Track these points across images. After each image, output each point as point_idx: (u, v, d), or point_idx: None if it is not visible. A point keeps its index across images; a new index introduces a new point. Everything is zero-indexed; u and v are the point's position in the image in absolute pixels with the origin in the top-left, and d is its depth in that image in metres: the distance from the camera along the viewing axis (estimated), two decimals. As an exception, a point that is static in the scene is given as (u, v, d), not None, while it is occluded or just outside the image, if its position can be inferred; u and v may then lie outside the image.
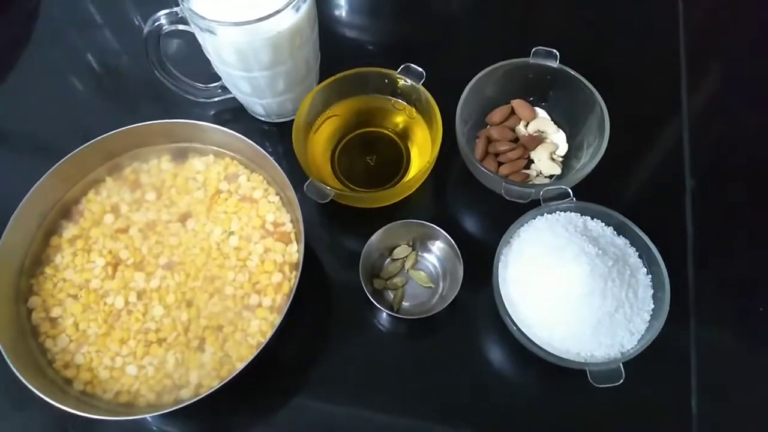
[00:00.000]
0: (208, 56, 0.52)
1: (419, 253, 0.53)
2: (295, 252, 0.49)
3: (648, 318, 0.45)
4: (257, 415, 0.48)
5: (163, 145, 0.53)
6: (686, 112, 0.60)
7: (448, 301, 0.48)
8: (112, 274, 0.48)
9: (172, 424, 0.48)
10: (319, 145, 0.56)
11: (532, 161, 0.56)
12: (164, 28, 0.50)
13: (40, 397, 0.40)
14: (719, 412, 0.48)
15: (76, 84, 0.65)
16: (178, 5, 0.48)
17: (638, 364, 0.43)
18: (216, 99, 0.59)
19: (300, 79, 0.55)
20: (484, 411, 0.48)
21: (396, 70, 0.54)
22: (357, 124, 0.58)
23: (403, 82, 0.54)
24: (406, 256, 0.52)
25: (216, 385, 0.42)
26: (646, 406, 0.48)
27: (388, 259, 0.53)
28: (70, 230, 0.50)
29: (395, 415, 0.48)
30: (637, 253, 0.47)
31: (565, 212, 0.49)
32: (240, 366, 0.42)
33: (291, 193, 0.48)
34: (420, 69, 0.53)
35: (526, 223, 0.49)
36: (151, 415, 0.44)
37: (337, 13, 0.68)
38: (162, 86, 0.56)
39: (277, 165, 0.48)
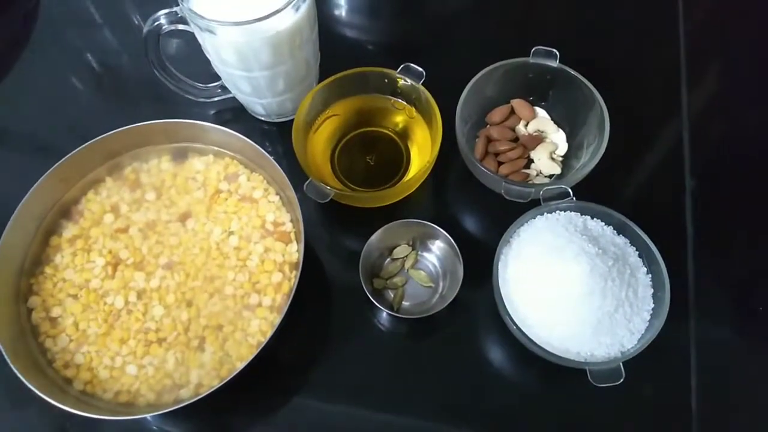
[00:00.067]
0: (207, 56, 0.52)
1: (419, 252, 0.53)
2: (295, 252, 0.49)
3: (648, 317, 0.45)
4: (257, 415, 0.48)
5: (162, 144, 0.53)
6: (686, 112, 0.60)
7: (448, 301, 0.48)
8: (112, 274, 0.48)
9: (172, 423, 0.48)
10: (319, 144, 0.56)
11: (532, 161, 0.56)
12: (164, 27, 0.50)
13: (40, 397, 0.40)
14: (719, 411, 0.48)
15: (75, 84, 0.65)
16: (177, 5, 0.48)
17: (638, 363, 0.43)
18: (216, 99, 0.59)
19: (300, 79, 0.55)
20: (484, 410, 0.48)
21: (396, 69, 0.54)
22: (357, 124, 0.58)
23: (403, 81, 0.54)
24: (406, 256, 0.52)
25: (216, 384, 0.42)
26: (646, 405, 0.48)
27: (388, 259, 0.53)
28: (70, 230, 0.50)
29: (395, 414, 0.48)
30: (637, 253, 0.47)
31: (565, 212, 0.49)
32: (240, 365, 0.42)
33: (291, 192, 0.48)
34: (420, 69, 0.53)
35: (526, 222, 0.49)
36: (151, 414, 0.44)
37: (336, 12, 0.68)
38: (162, 86, 0.56)
39: (276, 165, 0.48)
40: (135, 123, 0.50)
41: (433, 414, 0.48)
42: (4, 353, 0.42)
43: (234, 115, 0.60)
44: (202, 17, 0.46)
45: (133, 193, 0.52)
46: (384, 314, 0.51)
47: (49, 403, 0.40)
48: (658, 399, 0.48)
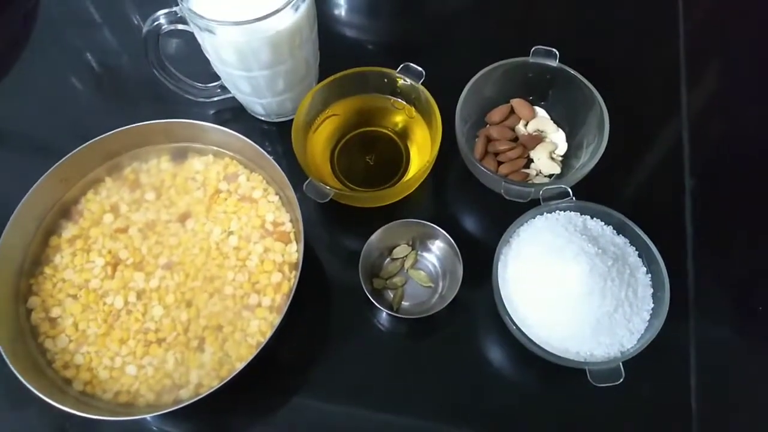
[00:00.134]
0: (207, 56, 0.52)
1: (419, 252, 0.53)
2: (294, 252, 0.49)
3: (647, 317, 0.45)
4: (257, 415, 0.48)
5: (162, 144, 0.53)
6: (686, 112, 0.60)
7: (448, 301, 0.48)
8: (112, 274, 0.48)
9: (172, 424, 0.48)
10: (318, 144, 0.56)
11: (531, 160, 0.56)
12: (163, 27, 0.50)
13: (39, 397, 0.40)
14: (719, 411, 0.48)
15: (75, 84, 0.65)
16: (177, 5, 0.48)
17: (638, 363, 0.43)
18: (215, 98, 0.58)
19: (299, 79, 0.55)
20: (484, 410, 0.48)
21: (395, 69, 0.54)
22: (356, 124, 0.58)
23: (403, 81, 0.54)
24: (406, 256, 0.52)
25: (216, 385, 0.42)
26: (646, 405, 0.48)
27: (388, 259, 0.53)
28: (69, 230, 0.50)
29: (395, 414, 0.48)
30: (637, 252, 0.47)
31: (564, 211, 0.49)
32: (240, 366, 0.42)
33: (290, 192, 0.48)
34: (419, 68, 0.53)
35: (526, 222, 0.49)
36: (150, 415, 0.44)
37: (336, 12, 0.68)
38: (161, 86, 0.56)
39: (276, 165, 0.48)
40: (135, 123, 0.50)
41: (432, 414, 0.48)
42: (3, 354, 0.42)
43: (233, 114, 0.60)
44: (201, 17, 0.46)
45: (133, 193, 0.52)
46: (383, 314, 0.51)
47: (49, 404, 0.40)
48: (657, 399, 0.48)
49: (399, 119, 0.57)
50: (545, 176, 0.55)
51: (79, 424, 0.46)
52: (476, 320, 0.51)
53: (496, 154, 0.55)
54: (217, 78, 0.56)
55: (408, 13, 0.69)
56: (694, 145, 0.58)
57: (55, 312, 0.47)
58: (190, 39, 0.51)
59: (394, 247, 0.52)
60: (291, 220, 0.50)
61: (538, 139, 0.56)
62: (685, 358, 0.49)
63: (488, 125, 0.58)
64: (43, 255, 0.49)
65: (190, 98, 0.57)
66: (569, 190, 0.48)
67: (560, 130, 0.57)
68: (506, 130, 0.56)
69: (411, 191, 0.54)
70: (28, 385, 0.40)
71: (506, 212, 0.49)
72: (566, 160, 0.56)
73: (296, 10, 0.47)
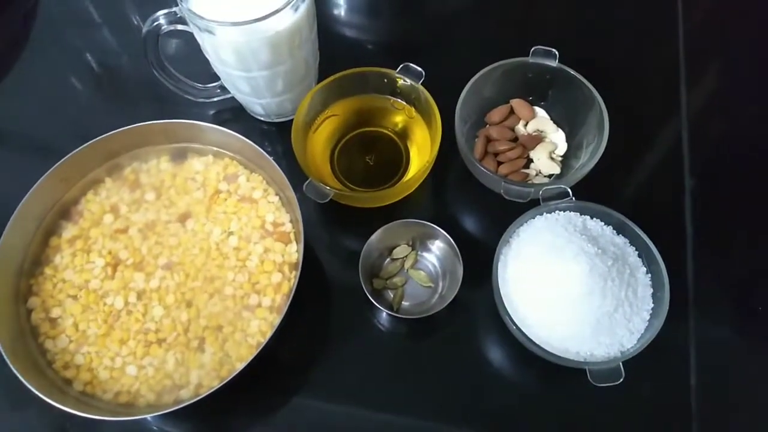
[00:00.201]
0: (206, 56, 0.52)
1: (419, 252, 0.53)
2: (294, 252, 0.49)
3: (647, 317, 0.45)
4: (257, 415, 0.48)
5: (162, 145, 0.53)
6: (685, 112, 0.60)
7: (448, 301, 0.48)
8: (112, 275, 0.48)
9: (172, 424, 0.48)
10: (318, 144, 0.56)
11: (531, 161, 0.56)
12: (163, 28, 0.50)
13: (39, 398, 0.40)
14: (719, 410, 0.48)
15: (75, 84, 0.65)
16: (176, 5, 0.48)
17: (638, 363, 0.43)
18: (215, 99, 0.58)
19: (299, 79, 0.55)
20: (484, 410, 0.48)
21: (395, 69, 0.54)
22: (356, 124, 0.58)
23: (403, 81, 0.54)
24: (406, 256, 0.52)
25: (216, 385, 0.42)
26: (646, 405, 0.48)
27: (388, 259, 0.53)
28: (69, 231, 0.50)
29: (395, 414, 0.48)
30: (637, 252, 0.47)
31: (564, 211, 0.49)
32: (240, 366, 0.42)
33: (290, 193, 0.48)
34: (419, 68, 0.53)
35: (526, 222, 0.49)
36: (151, 415, 0.44)
37: (336, 12, 0.68)
38: (161, 86, 0.56)
39: (276, 165, 0.48)
40: (134, 123, 0.50)
41: (432, 414, 0.48)
42: (3, 354, 0.42)
43: (233, 115, 0.60)
44: (201, 17, 0.46)
45: (133, 194, 0.52)
46: (384, 314, 0.51)
47: (49, 404, 0.40)
48: (657, 399, 0.48)
49: (399, 119, 0.57)
50: (545, 176, 0.55)
51: (80, 424, 0.46)
52: (476, 320, 0.51)
53: (496, 154, 0.55)
54: (217, 78, 0.56)
55: (408, 13, 0.69)
56: (694, 145, 0.58)
57: (55, 312, 0.47)
58: (189, 39, 0.51)
59: (394, 248, 0.52)
60: (291, 221, 0.50)
61: (537, 139, 0.56)
62: (685, 358, 0.49)
63: (488, 125, 0.58)
64: (43, 255, 0.49)
65: (189, 98, 0.57)
66: (569, 190, 0.48)
67: (560, 130, 0.57)
68: (506, 130, 0.56)
69: (411, 191, 0.54)
70: (29, 386, 0.40)
71: (506, 212, 0.49)
72: (566, 160, 0.56)
73: (296, 10, 0.47)
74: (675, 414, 0.48)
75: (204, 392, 0.42)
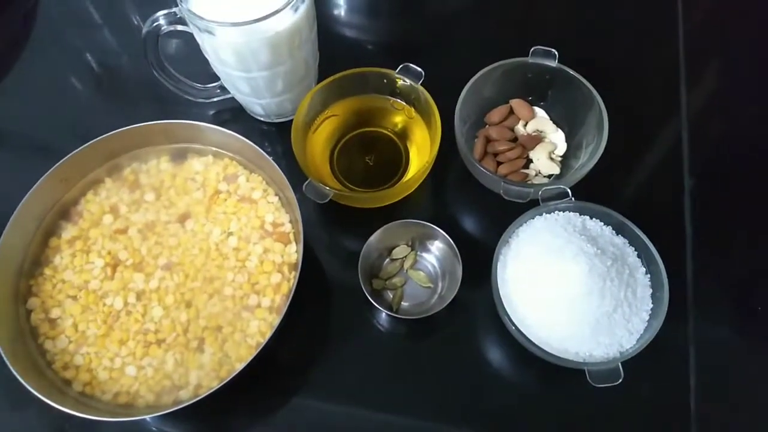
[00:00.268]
0: (206, 56, 0.52)
1: (418, 253, 0.53)
2: (294, 252, 0.49)
3: (647, 317, 0.45)
4: (257, 416, 0.48)
5: (162, 145, 0.53)
6: (685, 112, 0.60)
7: (447, 301, 0.48)
8: (111, 275, 0.48)
9: (172, 424, 0.48)
10: (318, 145, 0.56)
11: (530, 161, 0.56)
12: (163, 28, 0.50)
13: (39, 398, 0.40)
14: (718, 411, 0.48)
15: (75, 84, 0.65)
16: (176, 5, 0.48)
17: (637, 363, 0.43)
18: (215, 99, 0.59)
19: (299, 80, 0.55)
20: (483, 411, 0.48)
21: (395, 69, 0.54)
22: (356, 124, 0.58)
23: (402, 81, 0.54)
24: (405, 256, 0.52)
25: (215, 385, 0.42)
26: (645, 405, 0.48)
27: (387, 259, 0.53)
28: (69, 231, 0.50)
29: (394, 414, 0.48)
30: (636, 253, 0.47)
31: (563, 212, 0.49)
32: (239, 366, 0.42)
33: (290, 193, 0.48)
34: (419, 69, 0.53)
35: (525, 222, 0.49)
36: (150, 416, 0.45)
37: (336, 12, 0.68)
38: (161, 86, 0.56)
39: (276, 165, 0.48)
40: (134, 123, 0.50)
41: (432, 414, 0.48)
42: (3, 355, 0.42)
43: (233, 115, 0.60)
44: (201, 18, 0.46)
45: (133, 194, 0.52)
46: (383, 315, 0.51)
47: (49, 405, 0.40)
48: (656, 399, 0.48)
49: (398, 120, 0.57)
50: (544, 176, 0.55)
51: (79, 424, 0.46)
52: (475, 320, 0.51)
53: (496, 154, 0.55)
54: (217, 78, 0.56)
55: (407, 13, 0.69)
56: (694, 145, 0.58)
57: (54, 313, 0.47)
58: (189, 40, 0.51)
59: (394, 248, 0.52)
60: (290, 221, 0.50)
61: (537, 139, 0.56)
62: (684, 359, 0.49)
63: (487, 125, 0.58)
64: (42, 256, 0.49)
65: (189, 99, 0.57)
66: (568, 190, 0.48)
67: (559, 130, 0.57)
68: (505, 130, 0.56)
69: (410, 192, 0.54)
70: (28, 386, 0.40)
71: (505, 212, 0.49)
72: (565, 161, 0.56)
73: (295, 11, 0.47)
74: (674, 414, 0.48)
75: (203, 393, 0.42)
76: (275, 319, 0.46)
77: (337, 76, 0.54)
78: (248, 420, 0.48)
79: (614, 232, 0.48)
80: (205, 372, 0.45)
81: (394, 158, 0.56)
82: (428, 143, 0.53)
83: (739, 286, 0.53)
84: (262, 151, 0.48)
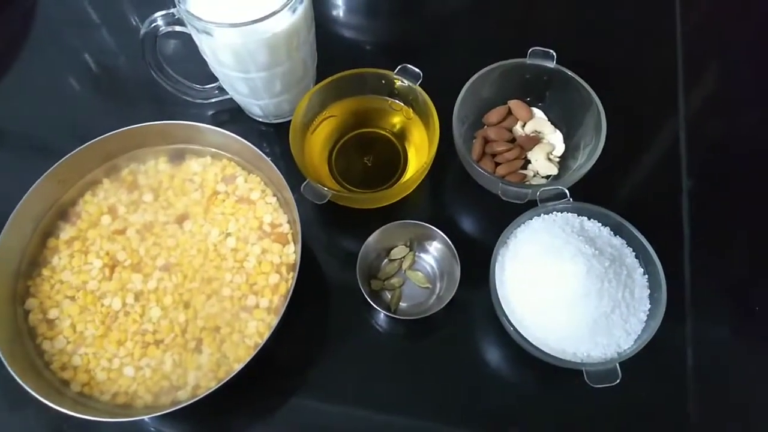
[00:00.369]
0: (204, 57, 0.52)
1: (416, 253, 0.53)
2: (292, 253, 0.49)
3: (644, 318, 0.45)
4: (255, 416, 0.48)
5: (160, 146, 0.53)
6: (683, 113, 0.60)
7: (446, 302, 0.48)
8: (110, 276, 0.48)
9: (170, 425, 0.49)
10: (316, 145, 0.56)
11: (529, 161, 0.56)
12: (161, 29, 0.50)
13: (37, 399, 0.40)
14: (715, 411, 0.48)
15: (73, 84, 0.65)
16: (174, 6, 0.48)
17: (635, 364, 0.43)
18: (213, 100, 0.59)
19: (297, 80, 0.55)
20: (482, 411, 0.48)
21: (393, 70, 0.54)
22: (354, 125, 0.58)
23: (400, 82, 0.54)
24: (404, 257, 0.52)
25: (213, 386, 0.42)
26: (643, 405, 0.48)
27: (386, 260, 0.53)
28: (67, 232, 0.50)
29: (393, 415, 0.48)
30: (634, 254, 0.47)
31: (561, 213, 0.49)
32: (237, 367, 0.42)
33: (288, 194, 0.48)
34: (417, 70, 0.53)
35: (523, 223, 0.49)
36: (148, 416, 0.45)
37: (334, 13, 0.68)
38: (159, 87, 0.56)
39: (274, 166, 0.48)
40: (132, 124, 0.50)
41: (430, 414, 0.48)
42: (1, 355, 0.42)
43: (231, 116, 0.60)
44: (199, 19, 0.46)
45: (131, 195, 0.52)
46: (381, 315, 0.51)
47: (47, 405, 0.40)
48: (654, 399, 0.48)
49: (396, 120, 0.57)
50: (542, 177, 0.55)
51: (77, 425, 0.46)
52: (474, 321, 0.51)
53: (494, 155, 0.55)
54: (215, 79, 0.56)
55: (405, 14, 0.69)
56: (692, 146, 0.58)
57: (52, 313, 0.47)
58: (187, 40, 0.51)
59: (392, 248, 0.53)
60: (289, 222, 0.50)
61: (535, 140, 0.56)
62: (681, 359, 0.49)
63: (486, 126, 0.58)
64: (40, 256, 0.49)
65: (187, 99, 0.57)
66: (566, 191, 0.48)
67: (557, 131, 0.57)
68: (504, 131, 0.57)
69: (408, 192, 0.54)
70: (26, 387, 0.40)
71: (503, 213, 0.49)
72: (563, 161, 0.56)
73: (294, 12, 0.47)
74: (672, 415, 0.48)
75: (201, 393, 0.42)
76: (273, 320, 0.46)
77: (335, 76, 0.54)
78: (246, 420, 0.48)
79: (612, 232, 0.49)
80: (203, 372, 0.45)
81: (393, 159, 0.56)
82: (426, 144, 0.53)
83: (737, 287, 0.53)
84: (260, 152, 0.49)
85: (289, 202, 0.48)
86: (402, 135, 0.57)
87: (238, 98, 0.57)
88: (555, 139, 0.57)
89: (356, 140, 0.57)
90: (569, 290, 0.44)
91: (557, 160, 0.56)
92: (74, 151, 0.49)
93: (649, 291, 0.46)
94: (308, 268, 0.49)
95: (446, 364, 0.49)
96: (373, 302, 0.48)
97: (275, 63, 0.50)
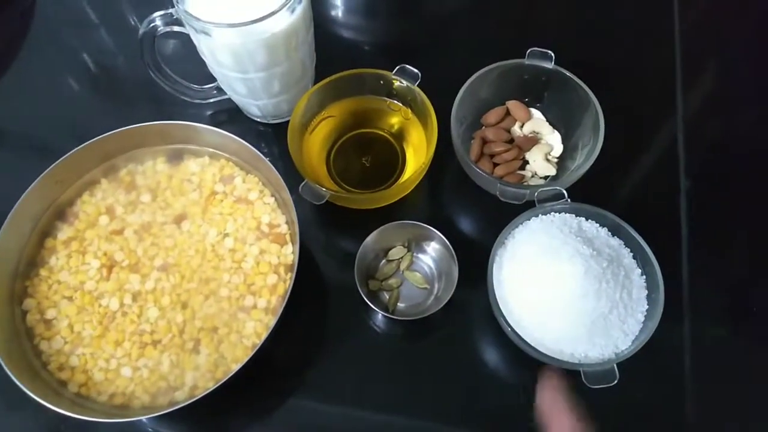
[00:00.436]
0: (203, 57, 0.52)
1: (414, 254, 0.53)
2: (290, 253, 0.49)
3: (642, 319, 0.45)
4: (253, 417, 0.48)
5: (158, 146, 0.52)
6: (681, 113, 0.60)
7: (443, 302, 0.48)
8: (107, 276, 0.48)
9: (167, 425, 0.48)
10: (314, 146, 0.56)
11: (527, 162, 0.56)
12: (159, 29, 0.50)
13: (34, 400, 0.40)
14: (713, 412, 0.48)
15: (71, 84, 0.65)
16: (173, 6, 0.48)
17: (632, 364, 0.43)
18: (211, 100, 0.59)
19: (295, 81, 0.55)
20: (480, 411, 0.48)
21: (391, 71, 0.54)
22: (352, 125, 0.58)
23: (399, 83, 0.54)
24: (402, 257, 0.52)
25: (211, 386, 0.42)
26: (640, 406, 0.48)
27: (384, 260, 0.53)
28: (64, 232, 0.50)
29: (391, 415, 0.48)
30: (632, 254, 0.48)
31: (559, 213, 0.49)
32: (235, 367, 0.42)
33: (286, 194, 0.48)
34: (415, 70, 0.53)
35: (521, 224, 0.49)
36: (146, 417, 0.45)
37: (333, 13, 0.68)
38: (157, 87, 0.56)
39: (272, 166, 0.48)
40: (131, 124, 0.50)
41: (428, 415, 0.48)
42: (-2, 356, 0.42)
43: (229, 116, 0.60)
44: (197, 19, 0.46)
45: (129, 195, 0.51)
46: (379, 316, 0.51)
47: (44, 406, 0.40)
48: (652, 400, 0.48)
49: (395, 121, 0.57)
50: (541, 178, 0.55)
51: (75, 426, 0.46)
52: (471, 322, 0.51)
53: (492, 155, 0.55)
54: (213, 79, 0.56)
55: (404, 14, 0.69)
56: (690, 146, 0.58)
57: (50, 314, 0.47)
58: (186, 40, 0.51)
59: (390, 249, 0.53)
60: (287, 222, 0.50)
61: (533, 140, 0.56)
62: (679, 360, 0.49)
63: (484, 127, 0.58)
64: (38, 257, 0.49)
65: (186, 99, 0.57)
66: (564, 192, 0.48)
67: (556, 131, 0.57)
68: (502, 131, 0.57)
69: (407, 193, 0.54)
70: (23, 388, 0.40)
71: (501, 214, 0.49)
72: (562, 162, 0.56)
73: (292, 12, 0.47)
74: (669, 415, 0.48)
75: (199, 394, 0.42)
76: (271, 320, 0.46)
77: (333, 77, 0.54)
78: (244, 421, 0.48)
79: (610, 233, 0.49)
80: (201, 373, 0.45)
81: (391, 159, 0.56)
82: (425, 144, 0.53)
83: (735, 288, 0.53)
84: (258, 153, 0.48)
85: (287, 202, 0.48)
86: (400, 135, 0.57)
87: (236, 98, 0.57)
88: (553, 140, 0.57)
89: (354, 140, 0.57)
90: (567, 291, 0.44)
91: (555, 160, 0.56)
92: (72, 151, 0.49)
93: (646, 291, 0.46)
94: (306, 269, 0.49)
95: (444, 364, 0.50)
96: (371, 303, 0.48)
97: (274, 63, 0.50)
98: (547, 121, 0.57)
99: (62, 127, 0.61)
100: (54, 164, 0.48)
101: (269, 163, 0.48)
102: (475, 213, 0.56)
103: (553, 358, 0.43)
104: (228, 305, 0.47)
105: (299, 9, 0.48)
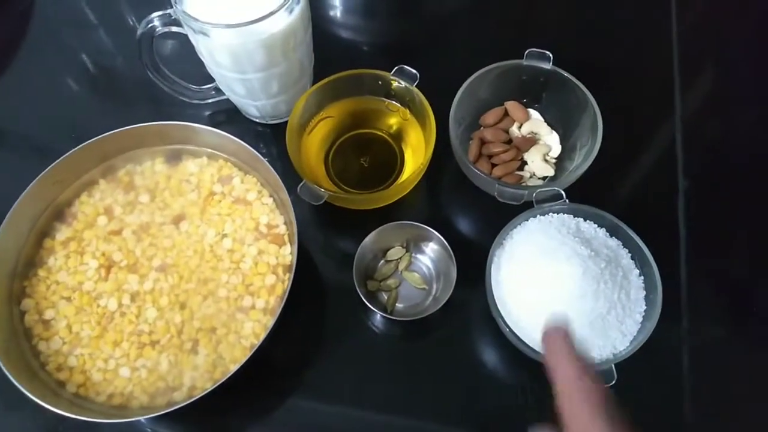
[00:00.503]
0: (201, 58, 0.52)
1: (413, 254, 0.53)
2: (288, 254, 0.49)
3: (640, 319, 0.45)
4: (251, 417, 0.48)
5: (156, 147, 0.52)
6: (679, 113, 0.60)
7: (442, 303, 0.48)
8: (106, 277, 0.48)
9: (166, 426, 0.48)
10: (312, 146, 0.56)
11: (525, 163, 0.56)
12: (157, 29, 0.50)
13: (32, 400, 0.40)
14: (711, 412, 0.48)
15: (70, 84, 0.65)
16: (171, 7, 0.48)
17: (630, 365, 0.43)
18: (210, 100, 0.59)
19: (294, 81, 0.55)
20: (478, 411, 0.48)
21: (390, 71, 0.54)
22: (351, 126, 0.58)
23: (397, 83, 0.54)
24: (400, 258, 0.52)
25: (209, 387, 0.42)
26: (639, 406, 0.48)
27: (382, 261, 0.53)
28: (63, 232, 0.50)
29: (389, 415, 0.48)
30: (630, 255, 0.48)
31: (558, 214, 0.49)
32: (233, 368, 0.42)
33: (285, 195, 0.48)
34: (414, 71, 0.53)
35: (519, 224, 0.49)
36: (144, 417, 0.44)
37: (331, 13, 0.68)
38: (156, 88, 0.56)
39: (270, 167, 0.48)
40: (129, 124, 0.50)
41: (427, 415, 0.48)
42: (-4, 356, 0.42)
43: (228, 116, 0.60)
44: (195, 19, 0.46)
45: (127, 196, 0.51)
46: (378, 316, 0.51)
47: (42, 406, 0.40)
48: (650, 401, 0.48)
49: (393, 121, 0.57)
50: (539, 178, 0.55)
51: (73, 426, 0.46)
52: (470, 322, 0.51)
53: (490, 156, 0.56)
54: (212, 80, 0.56)
55: (403, 15, 0.69)
56: (688, 147, 0.58)
57: (48, 314, 0.47)
58: (184, 41, 0.51)
59: (388, 249, 0.53)
60: (285, 223, 0.50)
61: (531, 141, 0.56)
62: (677, 360, 0.49)
63: (482, 127, 0.58)
64: (36, 257, 0.49)
65: (184, 100, 0.57)
66: (562, 192, 0.49)
67: (554, 132, 0.57)
68: (500, 132, 0.57)
69: (405, 193, 0.54)
70: (21, 388, 0.40)
71: (500, 214, 0.49)
72: (560, 162, 0.56)
73: (290, 12, 0.47)
74: (667, 416, 0.48)
75: (197, 394, 0.42)
76: (269, 321, 0.46)
77: (332, 77, 0.54)
78: (243, 421, 0.48)
79: (608, 234, 0.49)
80: (199, 373, 0.45)
81: (389, 160, 0.56)
82: (423, 145, 0.54)
83: (733, 288, 0.54)
84: (256, 153, 0.49)
85: (286, 203, 0.48)
86: (399, 136, 0.57)
87: (234, 99, 0.57)
88: (551, 141, 0.57)
89: (353, 141, 0.57)
90: (565, 291, 0.44)
91: (553, 161, 0.56)
92: (71, 152, 0.49)
93: (644, 292, 0.46)
94: (304, 269, 0.49)
95: (443, 364, 0.50)
96: (370, 303, 0.48)
97: (272, 64, 0.50)
98: (546, 121, 0.57)
99: (61, 127, 0.60)
100: (52, 164, 0.48)
101: (267, 163, 0.48)
102: (474, 213, 0.56)
103: (551, 359, 0.43)
104: (226, 306, 0.47)
105: (297, 9, 0.48)
